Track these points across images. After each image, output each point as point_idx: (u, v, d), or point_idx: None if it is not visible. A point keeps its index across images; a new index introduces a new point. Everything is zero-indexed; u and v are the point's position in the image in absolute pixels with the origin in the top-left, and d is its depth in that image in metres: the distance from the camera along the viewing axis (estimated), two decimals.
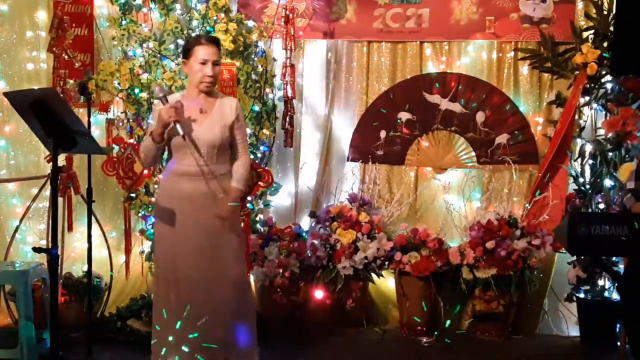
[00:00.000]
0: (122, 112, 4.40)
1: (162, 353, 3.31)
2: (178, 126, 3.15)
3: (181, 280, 3.28)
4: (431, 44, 5.03)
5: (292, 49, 4.71)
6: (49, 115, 2.92)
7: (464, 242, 4.64)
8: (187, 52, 3.33)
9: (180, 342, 3.25)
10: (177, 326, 3.25)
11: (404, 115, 5.00)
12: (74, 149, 3.16)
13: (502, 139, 4.88)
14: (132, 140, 4.33)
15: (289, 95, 4.68)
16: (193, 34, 4.32)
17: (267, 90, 4.59)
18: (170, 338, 3.28)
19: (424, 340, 4.49)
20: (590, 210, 4.52)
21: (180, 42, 4.34)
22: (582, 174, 4.64)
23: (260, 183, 4.24)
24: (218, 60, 3.32)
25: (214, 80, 3.32)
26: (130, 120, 4.35)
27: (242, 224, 4.23)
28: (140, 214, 4.41)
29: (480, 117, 4.91)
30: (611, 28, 4.44)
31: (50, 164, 2.97)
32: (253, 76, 4.46)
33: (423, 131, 5.00)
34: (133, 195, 4.34)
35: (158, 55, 4.31)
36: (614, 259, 4.38)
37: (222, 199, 3.29)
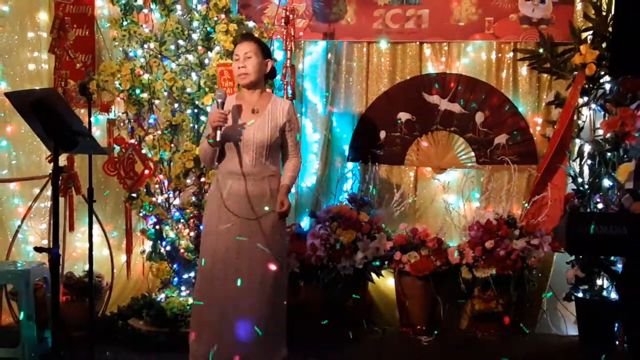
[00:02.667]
0: (123, 113, 4.41)
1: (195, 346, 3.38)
2: (218, 132, 3.25)
3: (218, 277, 3.31)
4: (431, 44, 5.05)
5: (292, 49, 4.74)
6: (50, 116, 2.93)
7: (463, 242, 4.66)
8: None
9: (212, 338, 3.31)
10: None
11: (403, 116, 5.02)
12: (75, 149, 3.18)
13: (501, 139, 4.89)
14: (133, 141, 4.35)
15: (289, 95, 4.70)
16: (193, 35, 4.34)
17: (267, 90, 4.59)
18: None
19: (424, 339, 4.51)
20: (588, 210, 4.53)
21: (181, 42, 4.36)
22: (581, 174, 4.65)
23: None
24: (250, 52, 3.36)
25: (246, 72, 3.36)
26: (131, 120, 4.36)
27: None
28: (141, 214, 4.42)
29: (479, 117, 4.92)
30: (610, 29, 4.46)
31: (52, 164, 2.99)
32: None
33: (423, 131, 5.01)
34: (134, 195, 4.35)
35: (159, 55, 4.33)
36: (612, 258, 4.40)
37: (271, 196, 3.34)
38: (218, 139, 3.26)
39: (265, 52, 3.46)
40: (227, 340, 3.27)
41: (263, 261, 3.31)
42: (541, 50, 4.81)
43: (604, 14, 4.60)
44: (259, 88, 3.46)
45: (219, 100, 3.32)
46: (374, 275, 4.73)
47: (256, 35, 4.44)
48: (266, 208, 3.33)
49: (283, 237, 3.51)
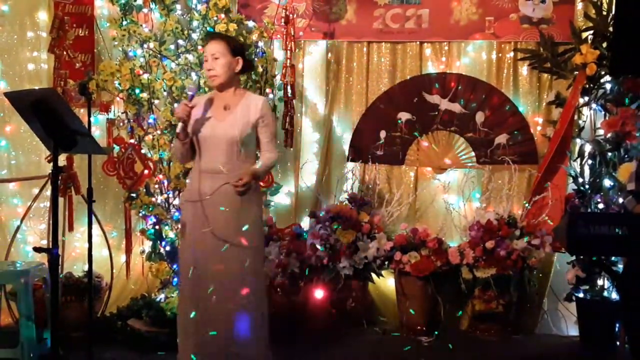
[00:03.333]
0: (122, 112, 4.40)
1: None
2: (180, 124, 3.23)
3: (195, 278, 3.28)
4: (431, 44, 5.05)
5: (292, 49, 4.73)
6: (50, 116, 2.92)
7: (463, 242, 4.65)
8: None
9: (193, 341, 3.29)
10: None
11: (403, 115, 5.01)
12: (75, 149, 3.17)
13: (501, 139, 4.88)
14: (132, 141, 4.34)
15: (289, 95, 4.69)
16: (193, 34, 4.33)
17: (267, 90, 4.59)
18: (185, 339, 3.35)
19: (424, 340, 4.50)
20: (589, 210, 4.53)
21: (181, 42, 4.35)
22: (582, 174, 4.65)
23: (261, 183, 4.24)
24: (217, 53, 3.29)
25: (215, 74, 3.31)
26: (131, 120, 4.35)
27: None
28: (140, 214, 4.42)
29: (479, 117, 4.92)
30: (610, 28, 4.45)
31: (51, 164, 2.99)
32: (253, 76, 4.46)
33: (423, 131, 5.01)
34: (134, 195, 4.34)
35: (158, 55, 4.32)
36: (613, 258, 4.39)
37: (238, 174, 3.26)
38: (178, 130, 3.23)
39: (234, 50, 3.36)
40: (209, 341, 3.26)
41: (241, 260, 3.27)
42: (541, 50, 4.80)
43: (604, 13, 4.59)
44: (232, 86, 3.39)
45: (190, 93, 3.31)
46: (374, 275, 4.72)
47: (256, 35, 4.45)
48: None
49: (260, 232, 3.44)
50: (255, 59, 4.51)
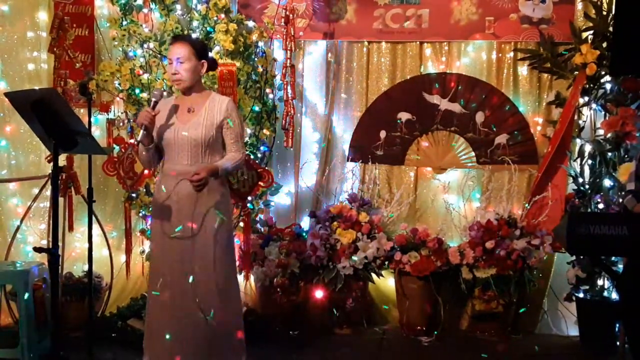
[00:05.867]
0: (122, 112, 4.41)
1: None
2: (142, 132, 3.20)
3: (166, 280, 3.28)
4: (431, 44, 5.04)
5: (292, 49, 4.72)
6: (50, 116, 2.93)
7: (463, 242, 4.65)
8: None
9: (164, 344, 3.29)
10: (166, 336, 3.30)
11: (403, 116, 5.01)
12: (75, 149, 3.17)
13: (501, 139, 4.88)
14: (132, 141, 4.34)
15: (289, 95, 4.69)
16: (193, 34, 4.33)
17: (267, 90, 4.60)
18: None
19: (424, 340, 4.50)
20: (589, 210, 4.53)
21: None
22: (582, 174, 4.65)
23: (260, 183, 4.25)
24: (182, 58, 3.25)
25: (179, 78, 3.27)
26: (131, 120, 4.36)
27: (241, 225, 4.24)
28: (140, 214, 4.42)
29: (479, 117, 4.92)
30: (610, 28, 4.45)
31: (51, 164, 2.99)
32: (253, 76, 4.47)
33: (423, 131, 5.01)
34: (134, 195, 4.35)
35: (158, 55, 4.32)
36: (613, 258, 4.39)
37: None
38: (140, 137, 3.22)
39: (199, 53, 3.31)
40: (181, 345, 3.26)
41: (210, 262, 3.26)
42: (541, 50, 4.80)
43: (604, 13, 4.59)
44: (197, 88, 3.36)
45: (153, 100, 3.27)
46: (374, 275, 4.72)
47: (256, 35, 4.44)
48: (217, 212, 3.27)
49: (229, 233, 3.42)
50: (255, 59, 4.52)
